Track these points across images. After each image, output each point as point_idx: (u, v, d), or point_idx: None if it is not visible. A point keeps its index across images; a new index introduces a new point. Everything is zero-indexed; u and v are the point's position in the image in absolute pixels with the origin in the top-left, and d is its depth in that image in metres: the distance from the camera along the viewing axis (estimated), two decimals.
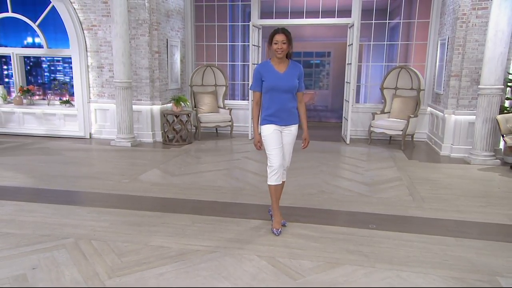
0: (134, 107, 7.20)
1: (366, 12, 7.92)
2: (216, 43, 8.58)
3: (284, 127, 3.43)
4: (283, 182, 3.58)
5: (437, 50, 7.39)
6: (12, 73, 8.17)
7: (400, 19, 8.15)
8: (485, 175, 5.50)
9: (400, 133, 7.00)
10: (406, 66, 7.62)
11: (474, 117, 6.15)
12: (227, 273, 2.79)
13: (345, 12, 7.90)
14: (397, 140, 7.50)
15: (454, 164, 6.08)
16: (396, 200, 4.38)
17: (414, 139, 7.52)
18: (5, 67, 9.40)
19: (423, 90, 7.34)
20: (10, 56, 8.02)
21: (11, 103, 7.98)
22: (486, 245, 3.28)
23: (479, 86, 5.95)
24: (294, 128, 3.48)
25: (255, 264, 2.91)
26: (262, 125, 3.42)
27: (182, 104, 7.28)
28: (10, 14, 7.75)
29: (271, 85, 3.32)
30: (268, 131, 3.38)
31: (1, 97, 7.99)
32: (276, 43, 3.26)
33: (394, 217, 3.89)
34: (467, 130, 6.44)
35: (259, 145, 3.45)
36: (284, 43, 3.26)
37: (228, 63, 9.02)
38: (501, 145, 6.29)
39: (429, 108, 7.66)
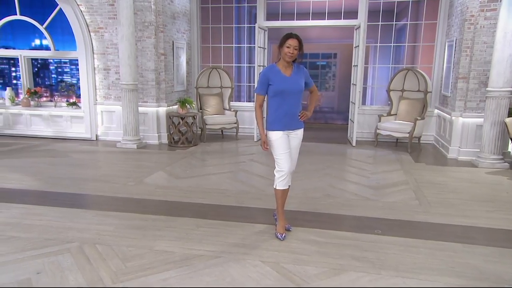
0: (140, 109, 7.22)
1: (372, 14, 7.87)
2: (222, 45, 8.58)
3: (291, 131, 3.42)
4: (289, 186, 3.57)
5: (444, 52, 7.32)
6: (20, 75, 8.23)
7: (407, 21, 8.09)
8: (493, 178, 5.43)
9: (407, 135, 6.94)
10: (413, 68, 7.56)
11: (482, 119, 6.08)
12: (231, 279, 2.78)
13: (352, 13, 7.85)
14: (404, 143, 7.44)
15: (462, 167, 6.01)
16: (402, 205, 4.34)
17: (421, 142, 7.45)
18: (13, 69, 9.49)
19: (430, 92, 7.27)
20: (18, 58, 8.08)
21: (19, 105, 8.04)
22: (493, 252, 3.24)
23: (487, 89, 5.89)
24: (300, 132, 3.49)
25: (259, 270, 2.90)
26: (269, 130, 3.41)
27: (188, 106, 7.29)
28: (18, 16, 7.81)
29: (279, 88, 3.31)
30: (276, 136, 3.37)
31: (9, 99, 8.05)
32: (288, 47, 3.25)
33: (400, 222, 3.86)
34: (475, 132, 6.37)
35: (265, 146, 3.43)
36: (296, 49, 3.25)
37: (234, 65, 9.02)
38: (510, 148, 6.21)
39: (436, 111, 7.59)
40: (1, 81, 9.69)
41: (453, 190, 4.87)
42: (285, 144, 3.38)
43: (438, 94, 7.59)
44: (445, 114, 6.99)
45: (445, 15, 7.36)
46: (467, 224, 3.83)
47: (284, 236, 3.43)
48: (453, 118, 6.50)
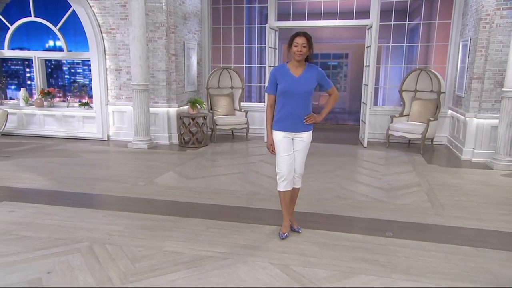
0: (151, 109, 7.26)
1: (385, 13, 7.78)
2: (233, 46, 8.58)
3: (294, 133, 3.34)
4: (298, 188, 3.53)
5: (458, 52, 7.20)
6: (34, 76, 8.34)
7: (420, 20, 7.98)
8: (509, 181, 5.31)
9: (420, 136, 6.84)
10: (426, 68, 7.45)
11: (497, 120, 5.96)
12: (240, 281, 2.76)
13: (364, 13, 7.78)
14: (416, 144, 7.33)
15: (476, 169, 5.90)
16: (414, 207, 4.27)
17: (434, 143, 7.34)
18: (27, 70, 9.65)
19: (444, 92, 7.15)
20: (32, 59, 8.19)
21: (33, 105, 8.15)
22: (509, 256, 3.15)
23: (503, 89, 5.77)
24: (306, 135, 3.37)
25: (268, 272, 2.87)
26: (273, 129, 3.37)
27: (198, 106, 7.30)
28: (33, 18, 7.92)
29: (284, 88, 3.26)
30: (278, 137, 3.33)
31: (23, 99, 8.17)
32: (296, 46, 3.18)
33: (412, 225, 3.79)
34: (489, 134, 6.25)
35: (272, 148, 3.40)
36: (304, 47, 3.17)
37: (244, 65, 9.00)
38: None
39: (449, 111, 7.46)
40: (16, 82, 9.86)
41: (466, 193, 4.78)
42: (286, 146, 3.32)
43: (452, 95, 7.47)
44: (459, 115, 6.87)
45: (459, 14, 7.23)
46: (481, 227, 3.75)
47: (286, 235, 3.42)
48: (467, 119, 6.38)
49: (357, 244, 3.34)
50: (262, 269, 2.91)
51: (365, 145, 7.45)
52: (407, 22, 7.99)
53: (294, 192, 3.51)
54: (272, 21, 8.03)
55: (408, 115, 7.42)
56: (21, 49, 8.59)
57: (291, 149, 3.35)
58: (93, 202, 4.41)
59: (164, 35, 7.17)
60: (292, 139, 3.35)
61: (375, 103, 8.60)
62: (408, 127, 7.03)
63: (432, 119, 6.81)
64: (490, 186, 5.09)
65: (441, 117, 7.35)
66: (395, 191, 4.81)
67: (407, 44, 8.16)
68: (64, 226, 3.63)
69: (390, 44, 8.04)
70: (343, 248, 3.26)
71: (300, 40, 3.17)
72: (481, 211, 4.18)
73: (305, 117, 3.31)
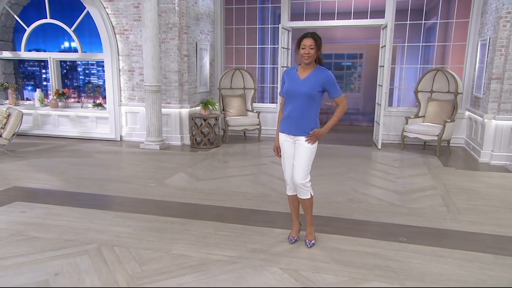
0: (163, 110, 7.27)
1: (400, 13, 7.63)
2: (246, 46, 8.53)
3: (293, 136, 3.20)
4: (304, 199, 3.25)
5: (477, 52, 7.01)
6: (49, 77, 8.45)
7: (437, 19, 7.80)
8: None
9: (435, 138, 6.67)
10: (443, 68, 7.27)
11: None
12: (247, 285, 2.70)
13: (378, 12, 7.64)
14: (432, 146, 7.16)
15: (494, 172, 5.72)
16: (429, 211, 4.14)
17: (451, 145, 7.16)
18: (43, 71, 9.79)
19: (461, 93, 6.97)
20: (48, 60, 8.30)
21: (48, 106, 8.26)
22: None
23: None
24: (303, 140, 3.14)
25: (277, 277, 2.81)
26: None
27: (210, 107, 7.28)
28: (48, 20, 8.03)
29: (286, 89, 3.18)
30: (280, 140, 3.29)
31: (39, 100, 8.29)
32: (303, 48, 3.05)
33: (427, 230, 3.68)
34: (509, 136, 6.07)
35: (277, 150, 3.35)
36: (311, 48, 3.03)
37: (257, 66, 8.95)
38: None
39: (467, 112, 7.27)
40: (32, 83, 10.02)
41: (484, 197, 4.63)
42: (285, 151, 3.25)
43: (470, 96, 7.27)
44: (476, 116, 6.68)
45: (478, 12, 7.04)
46: (500, 233, 3.61)
47: (296, 239, 3.37)
48: (485, 120, 6.20)
49: (369, 249, 3.25)
50: (270, 274, 2.85)
51: (379, 146, 7.32)
52: (423, 22, 7.81)
53: (302, 202, 3.29)
54: (285, 21, 7.96)
55: (424, 116, 7.26)
56: (37, 50, 8.71)
57: (291, 155, 3.22)
58: (103, 203, 4.41)
59: (176, 36, 7.17)
60: (294, 143, 3.21)
61: (390, 104, 8.45)
62: (424, 129, 6.87)
63: (448, 120, 6.64)
64: (509, 190, 4.92)
65: (458, 118, 7.16)
66: (410, 195, 4.69)
67: (423, 44, 7.99)
68: (74, 227, 3.63)
69: (406, 44, 7.89)
70: (354, 253, 3.17)
71: (307, 42, 3.03)
72: (499, 216, 4.03)
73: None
